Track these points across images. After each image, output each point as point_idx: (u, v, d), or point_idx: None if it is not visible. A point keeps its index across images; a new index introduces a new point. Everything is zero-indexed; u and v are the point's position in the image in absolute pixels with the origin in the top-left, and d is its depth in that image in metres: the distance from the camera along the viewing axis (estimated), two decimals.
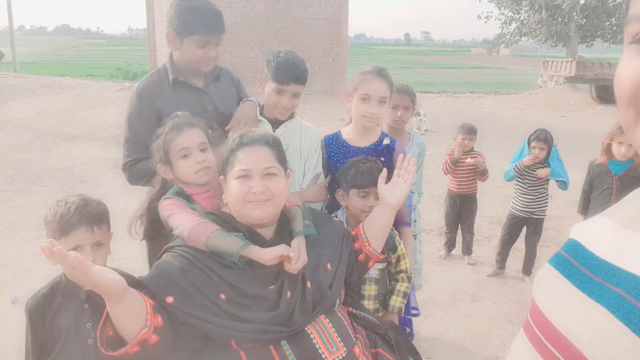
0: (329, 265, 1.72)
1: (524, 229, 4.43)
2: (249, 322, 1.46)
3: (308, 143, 2.34)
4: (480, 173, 4.52)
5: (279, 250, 1.55)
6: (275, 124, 2.32)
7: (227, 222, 1.64)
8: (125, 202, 5.74)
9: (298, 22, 13.04)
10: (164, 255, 1.60)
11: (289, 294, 1.55)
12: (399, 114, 2.91)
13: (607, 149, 3.55)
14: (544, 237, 5.16)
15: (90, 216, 1.73)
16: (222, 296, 1.48)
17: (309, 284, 1.61)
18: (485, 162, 4.49)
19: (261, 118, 2.34)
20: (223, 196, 1.71)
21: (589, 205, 3.73)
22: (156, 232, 1.98)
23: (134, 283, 1.48)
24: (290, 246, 1.60)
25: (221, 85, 2.47)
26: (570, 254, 0.71)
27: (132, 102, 2.33)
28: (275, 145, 1.69)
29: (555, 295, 0.68)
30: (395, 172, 1.97)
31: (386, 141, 2.35)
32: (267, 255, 1.54)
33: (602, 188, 3.60)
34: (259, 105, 2.40)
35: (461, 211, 4.69)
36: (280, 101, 2.23)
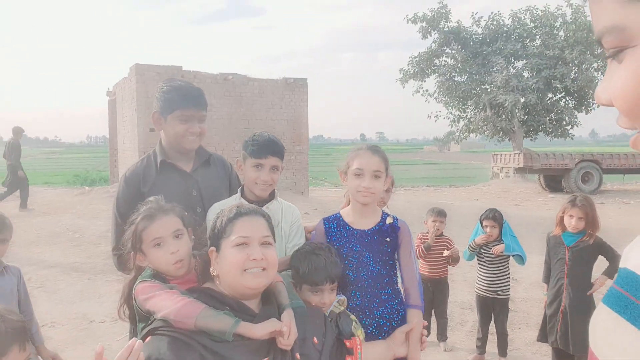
0: (315, 339, 1.71)
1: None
2: None
3: (289, 223, 2.35)
4: (452, 260, 4.61)
5: (271, 325, 1.55)
6: (256, 204, 2.27)
7: (213, 298, 1.61)
8: (86, 305, 5.49)
9: (261, 123, 13.54)
10: (147, 339, 1.54)
11: (282, 343, 1.55)
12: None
13: (560, 222, 3.80)
14: (515, 319, 5.21)
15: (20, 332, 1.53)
16: None
17: (297, 355, 1.60)
18: (457, 250, 4.59)
19: (242, 200, 2.31)
20: (211, 269, 1.68)
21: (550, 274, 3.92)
22: (143, 315, 1.89)
23: None
24: (279, 320, 1.60)
25: (210, 170, 2.50)
26: (626, 288, 0.58)
27: (121, 187, 2.36)
28: (269, 218, 1.74)
29: (615, 340, 0.56)
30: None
31: (389, 220, 2.27)
32: (259, 331, 1.53)
33: (557, 258, 3.81)
34: (240, 188, 2.41)
35: (434, 296, 4.71)
36: (260, 176, 2.25)
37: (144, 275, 1.83)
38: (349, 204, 2.47)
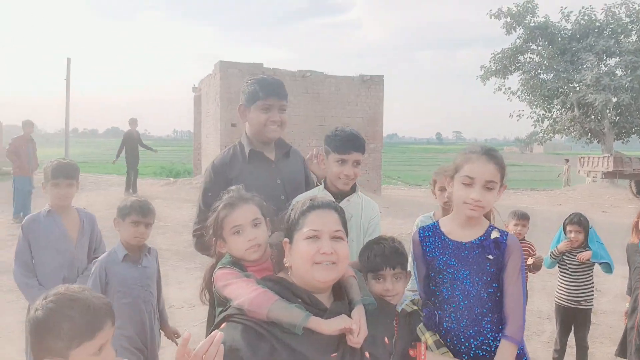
0: (386, 339, 1.71)
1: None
2: None
3: (369, 217, 2.44)
4: (534, 267, 4.43)
5: (341, 322, 1.57)
6: (337, 197, 2.36)
7: (286, 289, 1.65)
8: (166, 290, 5.80)
9: (336, 120, 13.67)
10: (222, 325, 1.60)
11: (352, 340, 1.57)
12: (446, 194, 2.79)
13: (636, 228, 3.56)
14: (597, 333, 4.94)
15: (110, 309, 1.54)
16: None
17: (367, 354, 1.60)
18: (541, 257, 4.39)
19: (325, 192, 2.41)
20: (285, 259, 1.71)
21: None
22: (221, 300, 1.99)
23: None
24: (350, 317, 1.61)
25: (290, 161, 2.64)
26: None
27: (207, 175, 2.54)
28: (342, 212, 1.76)
29: None
30: None
31: (494, 234, 1.97)
32: (328, 327, 1.55)
33: (634, 267, 3.60)
34: (323, 180, 2.49)
35: None
36: (343, 170, 2.35)
37: (223, 262, 1.96)
38: (443, 212, 2.37)
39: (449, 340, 1.97)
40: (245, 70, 13.10)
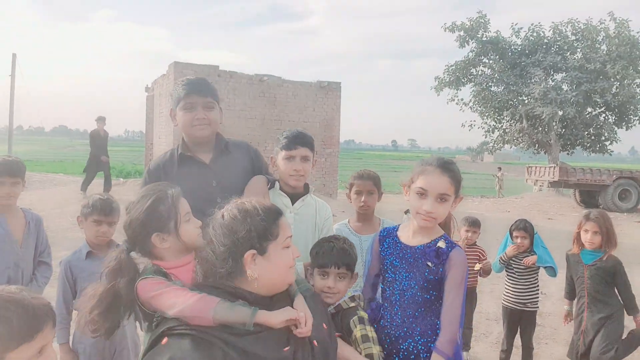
0: (324, 325, 1.74)
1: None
2: None
3: (323, 218, 2.53)
4: (484, 271, 4.55)
5: (287, 314, 1.57)
6: (293, 198, 2.47)
7: (224, 292, 1.57)
8: None
9: (293, 124, 13.66)
10: (164, 340, 1.48)
11: (301, 353, 1.57)
12: (362, 198, 2.81)
13: (577, 238, 3.73)
14: (542, 334, 5.11)
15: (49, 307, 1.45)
16: None
17: (315, 342, 1.63)
18: (490, 263, 4.52)
19: (280, 192, 2.47)
20: (249, 272, 1.57)
21: (573, 290, 3.88)
22: (115, 324, 1.76)
23: None
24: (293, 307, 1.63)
25: (230, 158, 2.48)
26: None
27: (144, 180, 2.48)
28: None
29: None
30: None
31: (440, 244, 1.98)
32: (276, 319, 1.54)
33: (577, 276, 3.77)
34: (275, 180, 2.51)
35: None
36: (292, 166, 2.39)
37: (147, 272, 1.74)
38: (358, 217, 2.54)
39: (383, 338, 2.02)
40: (200, 72, 12.91)
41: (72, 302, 2.85)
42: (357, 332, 1.93)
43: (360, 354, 1.89)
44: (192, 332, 1.47)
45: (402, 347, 1.97)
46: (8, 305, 1.33)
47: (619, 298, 3.68)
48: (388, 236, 2.17)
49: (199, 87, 2.40)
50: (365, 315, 2.01)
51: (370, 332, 1.95)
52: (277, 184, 2.50)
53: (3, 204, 2.91)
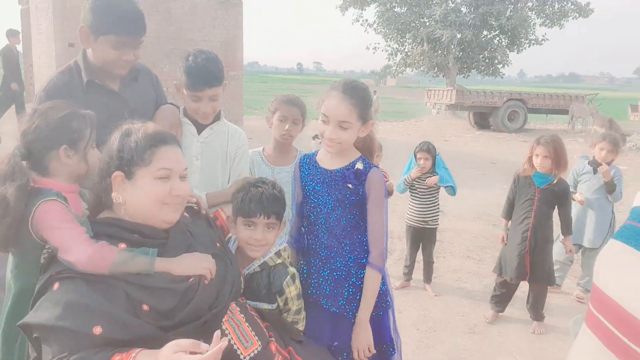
0: (217, 244, 1.72)
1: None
2: (178, 326, 1.42)
3: (235, 146, 2.32)
4: (387, 193, 4.61)
5: (190, 268, 1.51)
6: (200, 126, 2.26)
7: (121, 228, 1.51)
8: None
9: (191, 43, 12.73)
10: (55, 286, 1.36)
11: (206, 281, 1.53)
12: (286, 127, 2.60)
13: (529, 161, 3.79)
14: (440, 248, 5.41)
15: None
16: (145, 307, 1.38)
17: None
18: (392, 184, 4.59)
19: (185, 119, 2.27)
20: (114, 194, 1.51)
21: (512, 211, 3.95)
22: (14, 236, 1.61)
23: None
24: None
25: (138, 86, 2.27)
26: None
27: (39, 100, 2.03)
28: (181, 147, 1.64)
29: (631, 272, 0.58)
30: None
31: (359, 165, 2.01)
32: (179, 269, 1.49)
33: (525, 198, 3.81)
34: (180, 107, 2.31)
35: None
36: (200, 107, 2.19)
37: (50, 194, 1.59)
38: (275, 144, 2.44)
39: (312, 261, 2.07)
40: None
41: None
42: (292, 291, 1.88)
43: (291, 309, 1.90)
44: (86, 276, 1.38)
45: (334, 266, 2.03)
46: None
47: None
48: (307, 163, 2.13)
49: (136, 26, 2.04)
50: (294, 271, 1.94)
51: (299, 287, 1.94)
52: (181, 110, 2.30)
53: None
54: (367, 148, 2.13)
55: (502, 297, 3.99)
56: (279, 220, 1.91)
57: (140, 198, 1.49)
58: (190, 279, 1.48)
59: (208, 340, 1.28)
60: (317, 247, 2.06)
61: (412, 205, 4.51)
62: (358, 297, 2.01)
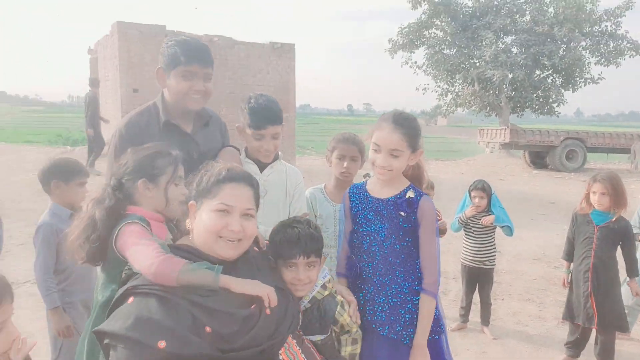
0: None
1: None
2: (236, 350, 1.46)
3: (293, 184, 2.42)
4: (440, 231, 4.55)
5: (253, 290, 1.57)
6: (261, 165, 2.37)
7: (194, 256, 1.60)
8: None
9: (247, 88, 13.25)
10: (130, 300, 1.48)
11: (267, 310, 1.57)
12: (345, 164, 2.63)
13: (587, 199, 3.66)
14: (498, 290, 5.23)
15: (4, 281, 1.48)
16: (208, 329, 1.45)
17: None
18: (445, 223, 4.54)
19: (247, 160, 2.37)
20: (187, 221, 1.67)
21: (573, 251, 3.80)
22: (102, 253, 1.79)
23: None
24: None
25: (209, 131, 2.40)
26: None
27: (119, 137, 2.20)
28: (257, 187, 1.72)
29: None
30: None
31: (410, 194, 2.09)
32: (240, 286, 1.55)
33: (584, 237, 3.67)
34: (241, 149, 2.43)
35: None
36: (262, 145, 2.29)
37: (134, 217, 1.77)
38: (336, 182, 2.51)
39: (367, 289, 2.11)
40: (146, 32, 12.26)
41: (53, 266, 2.80)
42: (346, 318, 1.94)
43: (351, 330, 1.97)
44: (157, 292, 1.47)
45: (389, 293, 2.08)
46: None
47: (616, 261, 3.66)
48: (357, 192, 2.20)
49: (202, 55, 2.21)
50: (342, 299, 1.98)
51: (348, 315, 1.97)
52: (243, 151, 2.42)
53: None
54: (416, 177, 2.22)
55: (576, 343, 3.80)
56: (319, 257, 1.91)
57: (200, 228, 1.61)
58: (252, 306, 1.54)
59: None
60: (372, 275, 2.10)
61: (467, 245, 4.43)
62: (415, 323, 2.06)
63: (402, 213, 2.06)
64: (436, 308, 2.12)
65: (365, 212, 2.14)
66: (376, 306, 2.08)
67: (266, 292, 1.56)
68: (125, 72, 12.34)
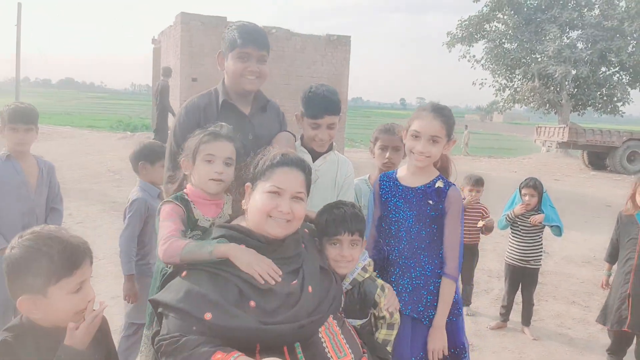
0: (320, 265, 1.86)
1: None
2: (277, 324, 1.56)
3: (344, 175, 2.46)
4: (486, 229, 4.57)
5: (248, 265, 1.62)
6: (314, 155, 2.42)
7: (241, 233, 1.74)
8: None
9: (301, 80, 13.46)
10: (184, 274, 1.65)
11: (310, 288, 1.68)
12: (387, 154, 2.68)
13: (632, 199, 3.60)
14: (542, 291, 5.18)
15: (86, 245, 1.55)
16: (252, 304, 1.57)
17: (310, 288, 1.72)
18: (492, 220, 4.54)
19: (302, 148, 2.42)
20: (243, 201, 1.83)
21: (617, 253, 3.73)
22: None
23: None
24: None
25: (266, 116, 2.47)
26: None
27: (180, 117, 2.35)
28: (309, 173, 1.84)
29: None
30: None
31: (439, 184, 2.24)
32: (239, 259, 1.63)
33: (628, 238, 3.60)
34: (296, 136, 2.49)
35: (462, 261, 4.71)
36: (317, 134, 2.35)
37: (172, 197, 1.97)
38: (379, 173, 2.47)
39: (392, 270, 2.27)
40: (208, 23, 12.65)
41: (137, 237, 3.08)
42: (384, 301, 2.04)
43: (386, 320, 2.06)
44: (209, 269, 1.62)
45: (413, 274, 2.24)
46: (49, 241, 1.42)
47: None
48: (388, 180, 2.35)
49: (258, 38, 2.32)
50: (382, 282, 2.10)
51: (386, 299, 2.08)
52: (299, 140, 2.48)
53: (17, 150, 2.99)
54: (444, 168, 2.37)
55: (616, 348, 3.68)
56: (362, 237, 2.03)
57: (253, 208, 1.75)
58: (293, 282, 1.67)
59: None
60: (397, 258, 2.27)
61: (513, 243, 4.41)
62: (435, 305, 2.22)
63: (430, 201, 2.22)
64: (455, 292, 2.28)
65: (395, 200, 2.28)
66: (400, 287, 2.22)
67: (257, 272, 1.61)
68: (186, 62, 12.80)
